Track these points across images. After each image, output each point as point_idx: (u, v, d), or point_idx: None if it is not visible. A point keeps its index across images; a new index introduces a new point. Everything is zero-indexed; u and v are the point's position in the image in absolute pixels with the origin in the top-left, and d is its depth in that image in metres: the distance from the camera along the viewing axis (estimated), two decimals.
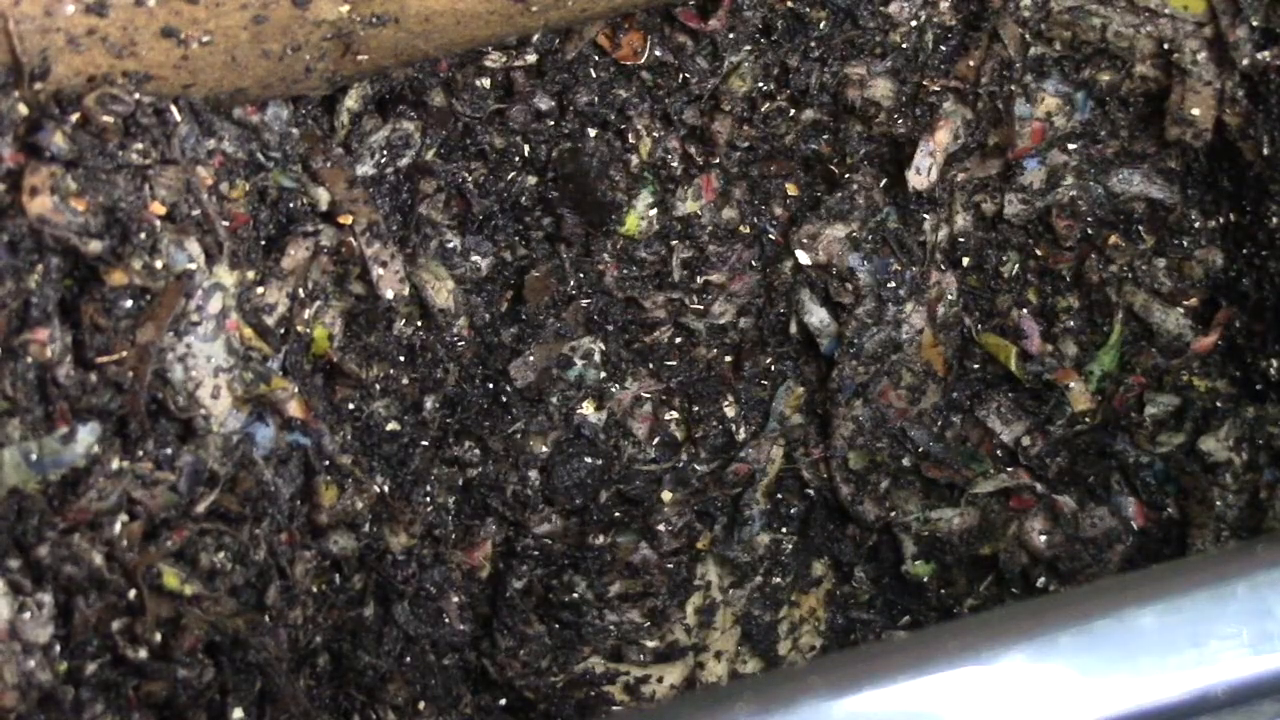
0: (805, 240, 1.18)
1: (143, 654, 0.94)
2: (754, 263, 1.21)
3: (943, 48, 1.17)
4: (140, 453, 0.95)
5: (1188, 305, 1.19)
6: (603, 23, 1.13)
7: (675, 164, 1.18)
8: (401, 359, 1.14)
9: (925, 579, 1.23)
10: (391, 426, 1.13)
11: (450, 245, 1.15)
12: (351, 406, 1.11)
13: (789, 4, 1.15)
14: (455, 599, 1.16)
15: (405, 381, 1.14)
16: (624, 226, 1.18)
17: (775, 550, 1.25)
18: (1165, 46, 1.14)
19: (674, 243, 1.19)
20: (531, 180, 1.17)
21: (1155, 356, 1.20)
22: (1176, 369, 1.19)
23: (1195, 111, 1.14)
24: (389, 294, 1.10)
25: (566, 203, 1.16)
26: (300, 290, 1.06)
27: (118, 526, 0.93)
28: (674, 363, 1.22)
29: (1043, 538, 1.20)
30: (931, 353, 1.20)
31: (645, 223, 1.18)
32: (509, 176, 1.16)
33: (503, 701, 1.20)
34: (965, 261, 1.20)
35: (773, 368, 1.23)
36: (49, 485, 0.91)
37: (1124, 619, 0.79)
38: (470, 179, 1.15)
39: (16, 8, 0.91)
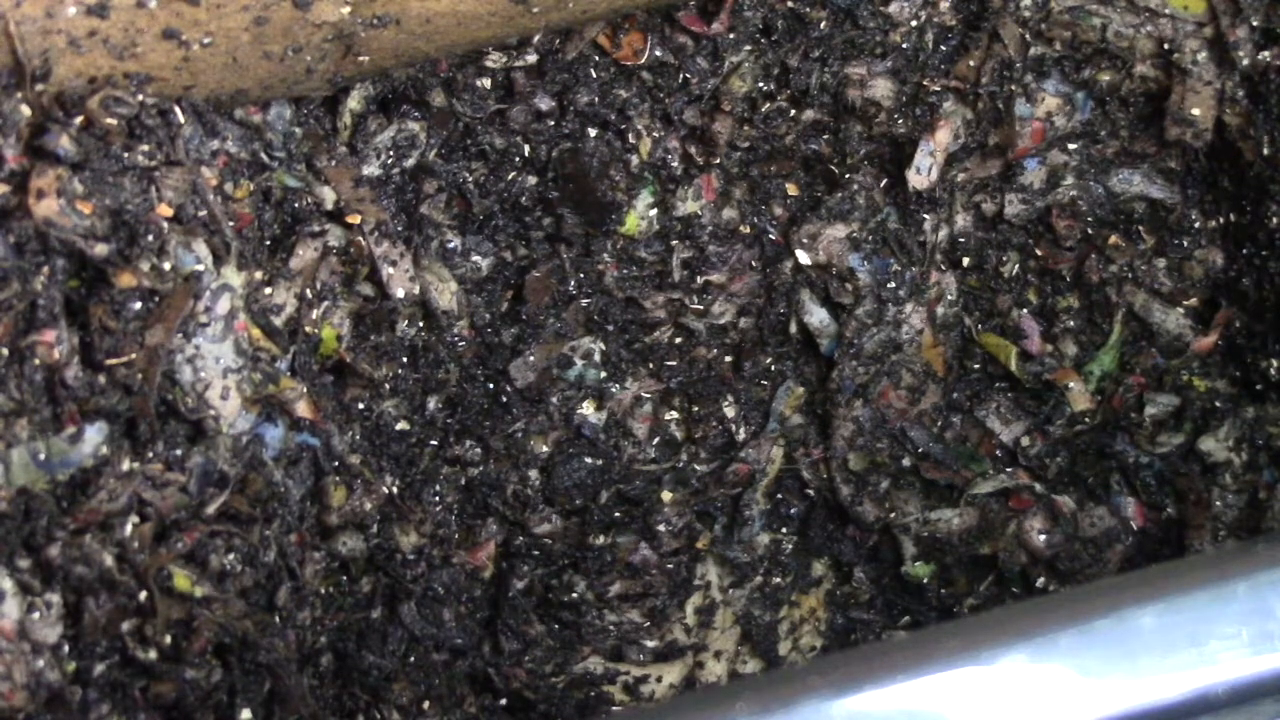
0: (805, 240, 1.19)
1: (152, 655, 0.94)
2: (754, 263, 1.21)
3: (943, 48, 1.17)
4: (150, 454, 0.95)
5: (1188, 305, 1.20)
6: (603, 23, 1.13)
7: (675, 164, 1.18)
8: (405, 359, 1.14)
9: (925, 579, 1.23)
10: (401, 426, 1.14)
11: (451, 245, 1.16)
12: (361, 406, 1.12)
13: (789, 4, 1.15)
14: (460, 599, 1.16)
15: (410, 382, 1.14)
16: (624, 226, 1.18)
17: (775, 550, 1.25)
18: (1165, 46, 1.14)
19: (674, 243, 1.19)
20: (532, 180, 1.17)
21: (1155, 356, 1.20)
22: (1176, 369, 1.19)
23: (1195, 111, 1.14)
24: (399, 293, 1.11)
25: (567, 203, 1.16)
26: (308, 291, 1.07)
27: (128, 528, 0.93)
28: (674, 363, 1.22)
29: (1042, 538, 1.20)
30: (931, 353, 1.20)
31: (645, 223, 1.18)
32: (509, 176, 1.16)
33: (503, 702, 1.20)
34: (965, 261, 1.20)
35: (773, 368, 1.23)
36: (58, 485, 0.91)
37: (1124, 619, 0.79)
38: (471, 179, 1.16)
39: (18, 9, 0.91)
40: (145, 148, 0.95)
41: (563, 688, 1.21)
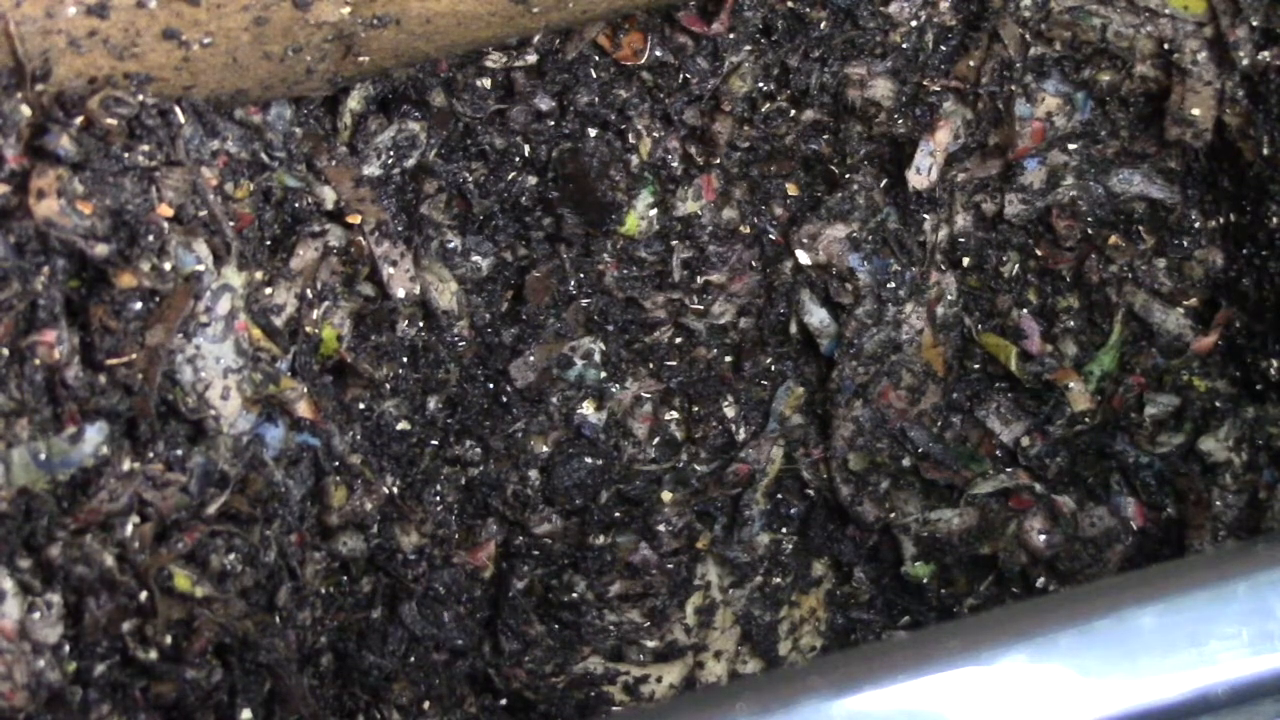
0: (805, 240, 1.19)
1: (152, 655, 0.94)
2: (754, 263, 1.21)
3: (943, 48, 1.17)
4: (151, 454, 0.95)
5: (1188, 305, 1.20)
6: (603, 23, 1.13)
7: (675, 164, 1.18)
8: (405, 359, 1.14)
9: (925, 579, 1.23)
10: (401, 426, 1.14)
11: (451, 245, 1.16)
12: (361, 406, 1.12)
13: (789, 4, 1.15)
14: (460, 599, 1.16)
15: (410, 382, 1.14)
16: (624, 226, 1.18)
17: (775, 550, 1.25)
18: (1165, 46, 1.14)
19: (674, 243, 1.19)
20: (532, 180, 1.17)
21: (1155, 356, 1.20)
22: (1176, 369, 1.19)
23: (1195, 111, 1.14)
24: (400, 293, 1.11)
25: (567, 203, 1.16)
26: (309, 291, 1.07)
27: (129, 528, 0.93)
28: (674, 363, 1.22)
29: (1042, 538, 1.20)
30: (931, 353, 1.20)
31: (645, 223, 1.18)
32: (509, 176, 1.16)
33: (503, 702, 1.20)
34: (965, 261, 1.20)
35: (773, 368, 1.23)
36: (58, 485, 0.91)
37: (1124, 619, 0.79)
38: (471, 179, 1.16)
39: (18, 9, 0.91)
40: (145, 148, 0.95)
41: (563, 688, 1.21)
